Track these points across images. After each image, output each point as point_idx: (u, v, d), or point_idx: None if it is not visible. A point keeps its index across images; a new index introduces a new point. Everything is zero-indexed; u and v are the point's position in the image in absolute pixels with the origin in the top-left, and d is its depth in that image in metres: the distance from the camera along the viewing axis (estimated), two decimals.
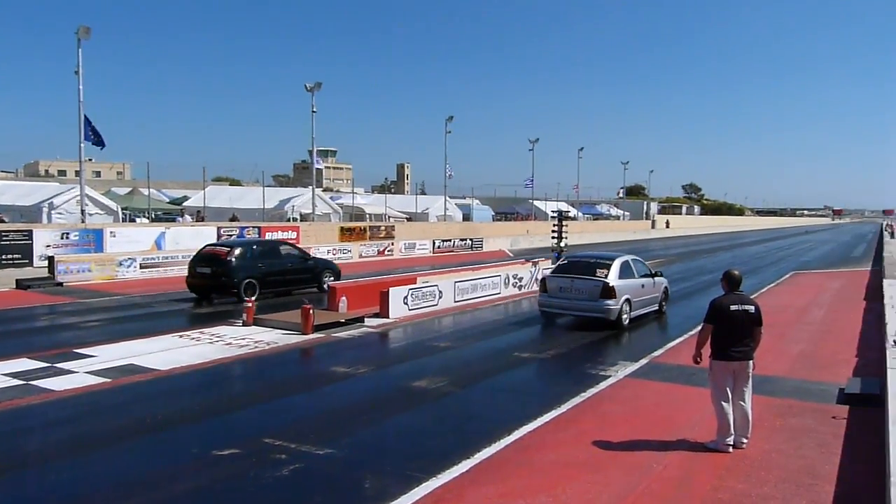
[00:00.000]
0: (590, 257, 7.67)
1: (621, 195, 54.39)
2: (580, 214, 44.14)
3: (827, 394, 5.58)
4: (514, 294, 12.02)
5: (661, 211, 66.60)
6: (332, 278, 10.18)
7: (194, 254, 9.04)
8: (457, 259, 18.49)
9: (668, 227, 50.98)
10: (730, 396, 4.30)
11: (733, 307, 4.35)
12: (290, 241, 11.62)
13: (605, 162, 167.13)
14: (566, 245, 15.57)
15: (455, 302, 10.36)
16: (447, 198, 29.27)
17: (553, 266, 9.35)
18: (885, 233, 44.99)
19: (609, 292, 6.81)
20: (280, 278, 9.03)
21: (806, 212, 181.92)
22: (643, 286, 7.40)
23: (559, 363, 6.74)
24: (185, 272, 8.86)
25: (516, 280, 12.29)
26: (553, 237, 15.32)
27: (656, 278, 8.01)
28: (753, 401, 4.36)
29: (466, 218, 32.20)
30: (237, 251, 8.41)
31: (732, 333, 4.33)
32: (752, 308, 4.39)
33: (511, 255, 22.20)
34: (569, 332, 8.28)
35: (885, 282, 11.25)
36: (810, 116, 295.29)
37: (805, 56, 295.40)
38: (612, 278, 6.94)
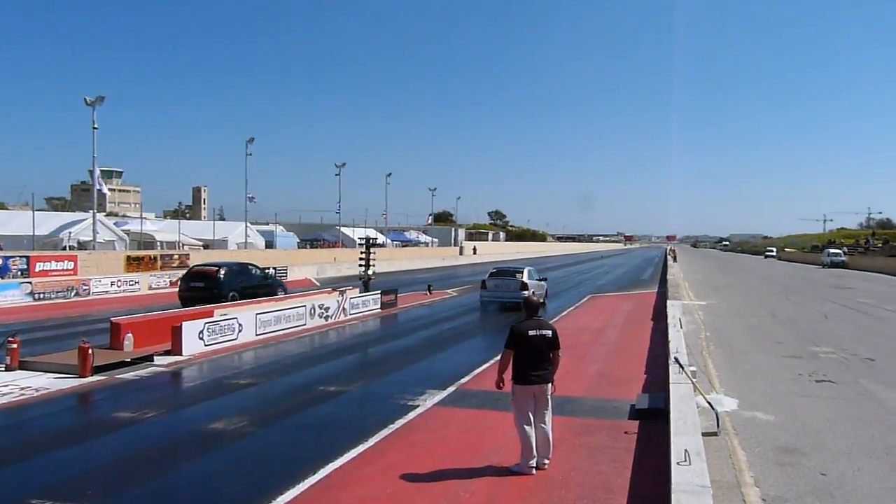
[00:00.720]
0: (509, 267, 15.52)
1: (430, 222, 60.09)
2: (389, 241, 47.96)
3: (620, 410, 6.65)
4: (320, 325, 12.87)
5: (469, 237, 72.36)
6: (283, 293, 14.64)
7: (184, 273, 14.48)
8: None
9: (475, 253, 56.27)
10: (531, 419, 4.92)
11: (531, 332, 4.96)
12: (254, 263, 16.23)
13: (414, 188, 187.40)
14: (374, 273, 16.87)
15: (257, 335, 10.92)
16: (248, 224, 30.61)
17: (359, 292, 15.26)
18: (669, 257, 55.57)
19: (524, 286, 13.78)
20: (252, 291, 13.98)
21: (601, 237, 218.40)
22: (538, 284, 15.11)
23: (367, 395, 7.41)
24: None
25: (323, 310, 13.17)
26: (361, 265, 16.41)
27: (542, 282, 16.07)
28: (555, 421, 5.05)
29: (269, 245, 33.79)
30: (223, 270, 13.82)
31: (531, 358, 4.91)
32: (549, 332, 5.04)
33: (318, 284, 23.87)
34: (376, 364, 9.50)
35: (668, 303, 13.94)
36: (605, 147, 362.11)
37: (598, 86, 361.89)
38: (525, 277, 13.96)
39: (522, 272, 16.34)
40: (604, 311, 17.66)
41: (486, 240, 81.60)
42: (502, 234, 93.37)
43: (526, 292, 12.63)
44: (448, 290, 23.25)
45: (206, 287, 14.61)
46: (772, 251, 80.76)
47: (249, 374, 8.37)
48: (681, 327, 10.27)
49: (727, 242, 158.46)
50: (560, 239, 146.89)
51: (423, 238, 59.18)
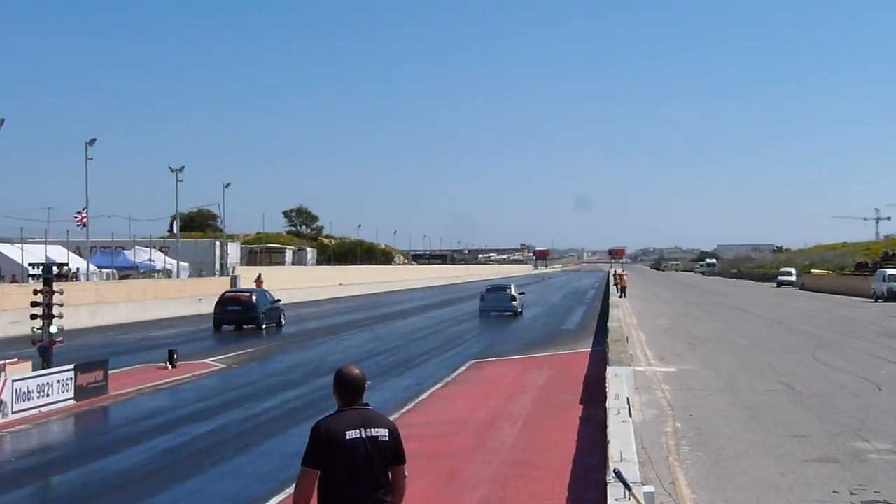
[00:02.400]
0: (500, 283, 53.49)
1: (173, 231, 64.09)
2: (91, 267, 52.63)
3: None
4: None
5: (251, 257, 79.51)
6: (283, 315, 38.03)
7: (219, 298, 36.77)
8: None
9: (259, 285, 59.92)
10: None
11: (351, 434, 5.25)
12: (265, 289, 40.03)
13: (150, 171, 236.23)
14: (61, 329, 18.20)
15: None
16: None
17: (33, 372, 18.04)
18: (613, 286, 61.24)
19: (514, 298, 44.52)
20: (273, 314, 36.80)
21: (494, 255, 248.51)
22: (521, 296, 45.95)
23: None
24: None
25: None
26: (36, 315, 17.99)
27: (521, 295, 46.24)
28: None
29: None
30: (254, 296, 36.76)
31: (353, 479, 5.21)
32: (384, 434, 5.34)
33: None
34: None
35: (610, 371, 14.67)
36: (499, 122, 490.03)
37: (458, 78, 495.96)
38: (513, 291, 45.72)
39: (510, 287, 46.37)
40: (496, 389, 18.94)
41: (283, 262, 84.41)
42: (310, 252, 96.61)
43: (515, 303, 41.93)
44: (206, 360, 25.05)
45: (243, 310, 35.99)
46: (789, 274, 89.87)
47: None
48: (630, 415, 10.86)
49: (713, 261, 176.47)
50: (419, 259, 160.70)
51: (161, 260, 61.04)
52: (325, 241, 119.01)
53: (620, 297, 56.43)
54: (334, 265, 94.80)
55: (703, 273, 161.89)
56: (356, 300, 64.18)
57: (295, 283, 67.36)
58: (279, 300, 39.46)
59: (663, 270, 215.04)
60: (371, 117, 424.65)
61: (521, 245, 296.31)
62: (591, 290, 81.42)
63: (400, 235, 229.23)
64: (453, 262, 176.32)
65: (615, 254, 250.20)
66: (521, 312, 44.67)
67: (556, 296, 69.06)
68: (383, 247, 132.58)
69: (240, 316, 36.47)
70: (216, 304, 37.14)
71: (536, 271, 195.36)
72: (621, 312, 36.55)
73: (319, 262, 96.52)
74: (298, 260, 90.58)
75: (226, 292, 39.83)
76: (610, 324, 25.77)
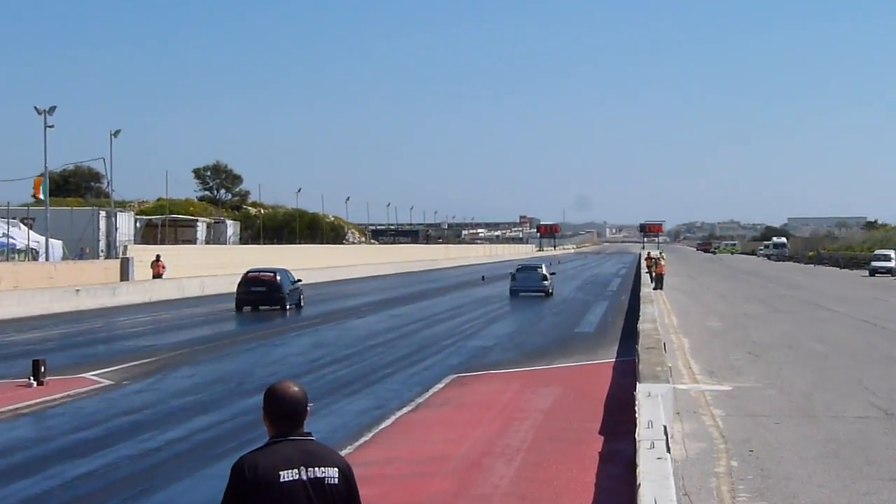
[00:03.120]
0: (531, 263, 79.90)
1: (40, 197, 63.04)
2: None
3: None
4: None
5: (148, 234, 79.82)
6: (302, 296, 50.80)
7: (241, 279, 49.30)
8: None
9: (158, 271, 60.10)
10: None
11: (288, 475, 5.31)
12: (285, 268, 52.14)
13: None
14: None
15: None
16: None
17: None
18: (645, 274, 62.89)
19: (545, 278, 60.98)
20: (294, 294, 48.91)
21: (482, 231, 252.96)
22: (552, 276, 63.31)
23: None
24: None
25: None
26: None
27: (553, 275, 63.62)
28: None
29: None
30: (279, 276, 48.63)
31: None
32: (333, 474, 5.40)
33: None
34: None
35: (641, 389, 14.88)
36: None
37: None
38: (545, 270, 62.79)
39: (542, 267, 63.63)
40: (486, 414, 19.01)
41: (193, 239, 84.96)
42: (231, 226, 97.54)
43: (547, 283, 61.09)
44: (87, 374, 24.98)
45: (269, 290, 47.09)
46: (887, 259, 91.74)
47: None
48: (668, 450, 10.89)
49: (783, 240, 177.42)
50: (381, 237, 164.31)
51: (24, 235, 60.48)
52: (252, 210, 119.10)
53: (656, 288, 56.82)
54: (265, 244, 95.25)
55: (768, 256, 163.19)
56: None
57: (209, 268, 67.78)
58: (300, 280, 50.94)
59: (714, 252, 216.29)
60: (317, 42, 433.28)
61: (521, 218, 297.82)
62: (616, 279, 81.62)
63: (355, 204, 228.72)
64: (428, 239, 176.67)
65: (649, 230, 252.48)
66: (552, 293, 59.61)
67: (567, 287, 69.61)
68: (331, 219, 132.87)
69: (264, 296, 47.49)
70: (238, 285, 48.33)
71: (540, 253, 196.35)
72: (657, 310, 36.73)
73: (244, 240, 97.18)
74: (215, 236, 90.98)
75: (249, 272, 50.34)
76: (641, 325, 25.94)
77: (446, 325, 40.13)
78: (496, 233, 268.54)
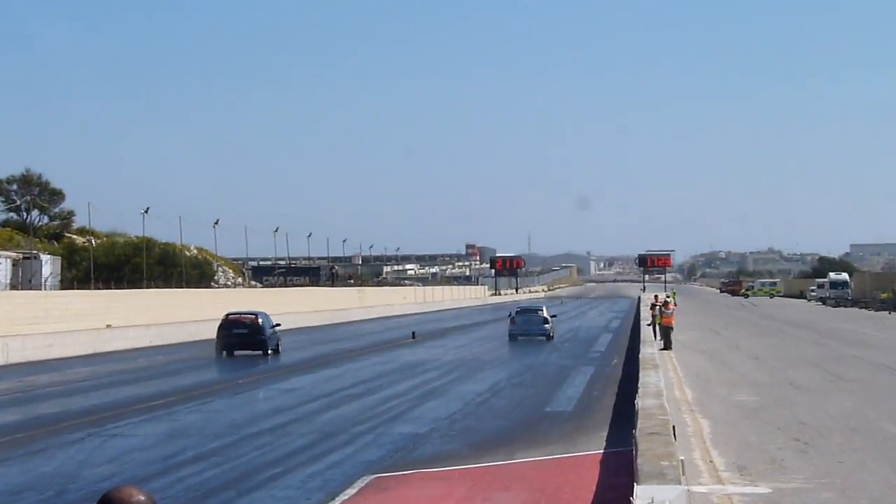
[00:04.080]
0: (531, 305, 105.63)
1: None
2: None
3: None
4: None
5: None
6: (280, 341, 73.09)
7: (221, 321, 71.08)
8: None
9: None
10: None
11: None
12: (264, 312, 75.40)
13: None
14: None
15: None
16: None
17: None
18: (647, 325, 65.52)
19: (546, 321, 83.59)
20: (273, 339, 70.65)
21: (413, 269, 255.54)
22: (553, 318, 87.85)
23: None
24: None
25: None
26: None
27: (553, 318, 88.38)
28: None
29: None
30: (260, 319, 71.15)
31: None
32: None
33: None
34: None
35: (640, 493, 14.71)
36: None
37: None
38: (545, 313, 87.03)
39: (542, 309, 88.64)
40: None
41: None
42: (49, 262, 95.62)
43: (548, 326, 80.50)
44: None
45: (251, 333, 68.27)
46: None
47: None
48: None
49: (843, 276, 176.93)
50: (266, 276, 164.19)
51: None
52: (79, 240, 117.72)
53: (663, 348, 57.20)
54: (98, 287, 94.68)
55: (823, 300, 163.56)
56: (140, 357, 64.63)
57: (17, 322, 67.50)
58: (279, 323, 70.89)
59: (746, 295, 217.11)
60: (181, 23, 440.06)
61: (468, 248, 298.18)
62: (605, 334, 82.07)
63: (228, 231, 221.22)
64: (334, 279, 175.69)
65: (652, 263, 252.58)
66: (552, 337, 78.06)
67: (534, 347, 69.76)
68: (194, 252, 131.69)
69: (246, 340, 66.14)
70: (219, 328, 66.28)
71: (495, 299, 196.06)
72: (663, 378, 36.69)
73: (68, 282, 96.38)
74: (24, 277, 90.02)
75: (229, 314, 68.71)
76: (641, 401, 25.76)
77: (361, 402, 40.18)
78: (432, 269, 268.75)
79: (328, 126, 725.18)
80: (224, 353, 64.36)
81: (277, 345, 66.15)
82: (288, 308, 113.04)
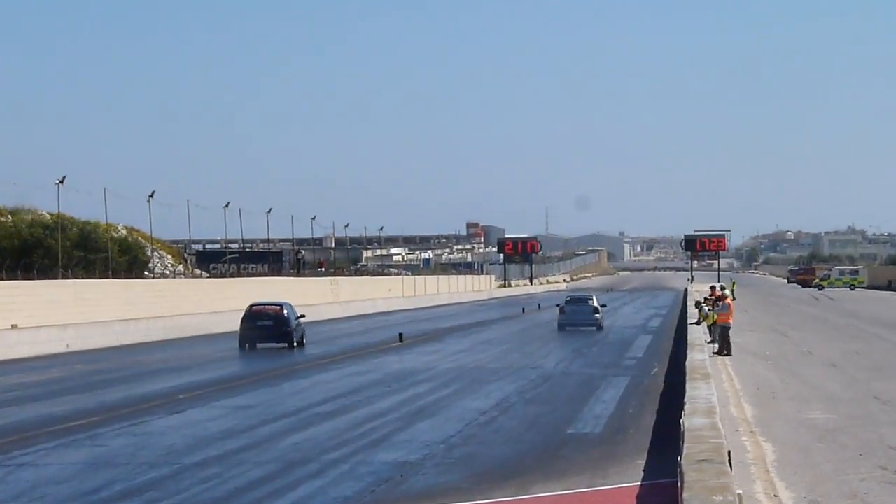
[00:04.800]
0: (581, 295, 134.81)
1: None
2: None
3: None
4: None
5: None
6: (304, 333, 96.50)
7: (245, 313, 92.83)
8: None
9: None
10: None
11: None
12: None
13: None
14: None
15: None
16: None
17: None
18: (694, 324, 66.60)
19: (596, 311, 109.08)
20: (298, 331, 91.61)
21: (401, 253, 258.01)
22: (603, 308, 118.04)
23: None
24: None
25: None
26: None
27: (604, 307, 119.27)
28: None
29: None
30: (286, 310, 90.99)
31: None
32: None
33: None
34: None
35: None
36: None
37: None
38: (597, 303, 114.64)
39: (593, 298, 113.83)
40: None
41: None
42: None
43: (598, 315, 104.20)
44: None
45: (276, 325, 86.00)
46: None
47: None
48: None
49: None
50: (213, 261, 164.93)
51: None
52: None
53: (718, 352, 57.60)
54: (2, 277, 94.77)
55: None
56: (54, 366, 64.78)
57: None
58: (303, 315, 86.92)
59: (820, 287, 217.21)
60: None
61: (470, 227, 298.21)
62: (642, 336, 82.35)
63: (166, 207, 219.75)
64: (301, 267, 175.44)
65: (702, 246, 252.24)
66: (602, 328, 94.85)
67: (555, 351, 69.59)
68: (122, 232, 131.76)
69: (271, 332, 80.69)
70: (242, 320, 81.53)
71: (504, 291, 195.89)
72: (716, 392, 36.65)
73: None
74: None
75: (252, 305, 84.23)
76: (688, 420, 25.81)
77: (334, 423, 40.24)
78: (425, 254, 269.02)
79: (290, 80, 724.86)
80: (247, 346, 79.45)
81: (303, 337, 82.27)
82: (241, 303, 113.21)
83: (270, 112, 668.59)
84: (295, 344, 77.29)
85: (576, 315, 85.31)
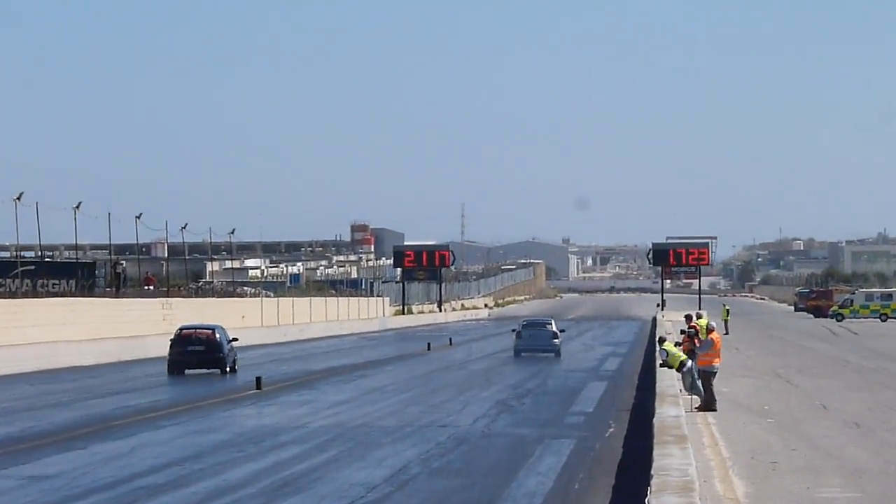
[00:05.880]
0: (538, 319, 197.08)
1: None
2: None
3: None
4: None
5: None
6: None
7: (174, 337, 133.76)
8: None
9: None
10: None
11: None
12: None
13: None
14: None
15: None
16: None
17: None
18: (661, 366, 66.82)
19: (555, 336, 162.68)
20: (230, 355, 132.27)
21: (254, 265, 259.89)
22: (561, 333, 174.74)
23: None
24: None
25: None
26: None
27: (563, 332, 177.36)
28: None
29: None
30: (217, 333, 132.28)
31: None
32: None
33: None
34: None
35: None
36: None
37: None
38: (555, 328, 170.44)
39: (551, 322, 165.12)
40: None
41: None
42: None
43: (557, 341, 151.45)
44: None
45: (208, 350, 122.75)
46: None
47: None
48: None
49: None
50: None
51: None
52: None
53: (699, 407, 57.67)
54: None
55: None
56: None
57: None
58: (236, 338, 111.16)
59: (840, 317, 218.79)
60: None
61: (355, 230, 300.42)
62: (593, 382, 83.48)
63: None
64: (119, 283, 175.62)
65: (677, 260, 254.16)
66: (560, 354, 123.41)
67: (473, 405, 71.31)
68: None
69: (202, 357, 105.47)
70: (171, 344, 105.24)
71: (401, 320, 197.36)
72: (695, 461, 36.75)
73: None
74: None
75: (182, 328, 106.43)
76: (656, 500, 25.81)
77: (164, 501, 40.19)
78: (293, 268, 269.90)
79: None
80: (176, 372, 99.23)
81: (235, 362, 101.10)
82: (35, 334, 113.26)
83: (73, 79, 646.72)
84: (228, 370, 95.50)
85: (533, 340, 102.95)
